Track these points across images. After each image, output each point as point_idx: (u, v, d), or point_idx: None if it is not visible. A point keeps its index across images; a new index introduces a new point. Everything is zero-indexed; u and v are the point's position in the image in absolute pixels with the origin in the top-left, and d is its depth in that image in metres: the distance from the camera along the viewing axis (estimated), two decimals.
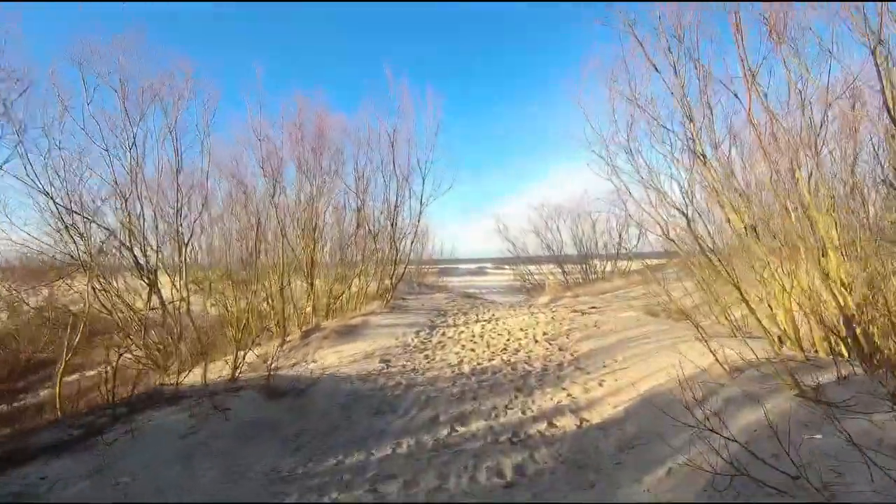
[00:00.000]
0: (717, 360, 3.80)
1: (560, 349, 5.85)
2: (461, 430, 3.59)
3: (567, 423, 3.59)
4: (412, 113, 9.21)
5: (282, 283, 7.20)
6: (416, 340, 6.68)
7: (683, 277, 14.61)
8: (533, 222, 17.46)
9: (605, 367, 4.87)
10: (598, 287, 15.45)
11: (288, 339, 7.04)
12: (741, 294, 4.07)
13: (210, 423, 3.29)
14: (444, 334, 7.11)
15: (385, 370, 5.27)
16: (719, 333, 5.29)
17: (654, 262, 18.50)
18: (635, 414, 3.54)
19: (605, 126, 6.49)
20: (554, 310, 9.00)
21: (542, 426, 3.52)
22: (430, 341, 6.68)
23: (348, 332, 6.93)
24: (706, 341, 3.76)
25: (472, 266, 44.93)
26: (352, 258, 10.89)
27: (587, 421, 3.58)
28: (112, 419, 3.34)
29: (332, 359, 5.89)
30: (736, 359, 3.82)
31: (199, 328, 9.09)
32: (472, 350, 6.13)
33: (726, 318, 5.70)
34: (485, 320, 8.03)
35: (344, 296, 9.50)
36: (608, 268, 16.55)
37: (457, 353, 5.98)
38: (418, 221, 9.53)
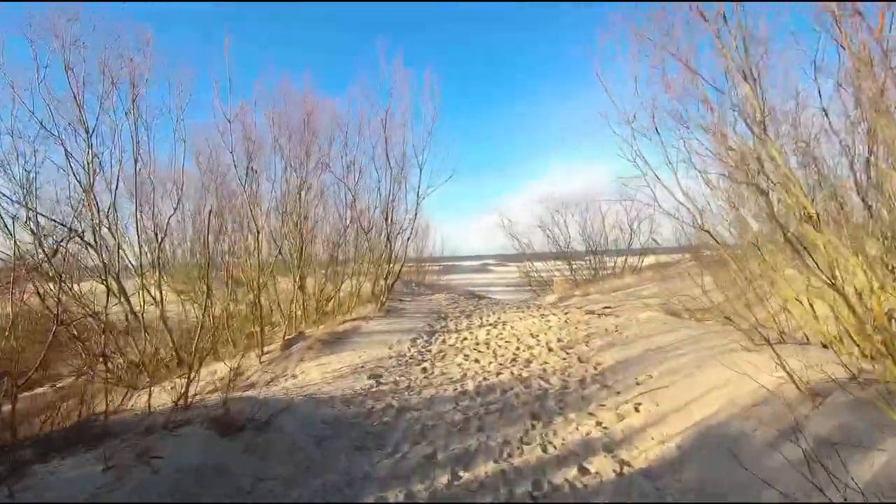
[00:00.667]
0: (791, 379, 2.99)
1: (580, 360, 5.06)
2: (465, 476, 2.80)
3: (602, 466, 2.79)
4: (407, 96, 8.41)
5: (258, 286, 6.41)
6: (412, 350, 5.89)
7: (703, 274, 13.72)
8: (539, 216, 16.64)
9: (638, 384, 4.07)
10: (608, 284, 14.65)
11: (268, 349, 6.26)
12: (834, 291, 3.20)
13: (133, 477, 2.51)
14: (444, 342, 6.32)
15: (374, 388, 4.49)
16: (765, 339, 4.49)
17: (666, 257, 17.65)
18: (693, 455, 2.74)
19: (628, 103, 5.70)
20: (566, 311, 8.20)
21: (571, 473, 2.73)
22: (428, 351, 5.89)
23: (336, 341, 6.15)
24: (779, 359, 2.96)
25: (475, 263, 44.15)
26: (344, 256, 10.13)
27: (628, 465, 2.78)
28: (10, 469, 2.56)
29: (315, 374, 5.11)
30: (811, 376, 3.01)
31: (179, 335, 8.34)
32: (477, 361, 5.34)
33: (774, 321, 4.92)
34: (490, 325, 7.24)
35: (334, 299, 8.73)
36: (619, 264, 15.73)
37: (459, 366, 5.20)
38: (415, 216, 8.74)
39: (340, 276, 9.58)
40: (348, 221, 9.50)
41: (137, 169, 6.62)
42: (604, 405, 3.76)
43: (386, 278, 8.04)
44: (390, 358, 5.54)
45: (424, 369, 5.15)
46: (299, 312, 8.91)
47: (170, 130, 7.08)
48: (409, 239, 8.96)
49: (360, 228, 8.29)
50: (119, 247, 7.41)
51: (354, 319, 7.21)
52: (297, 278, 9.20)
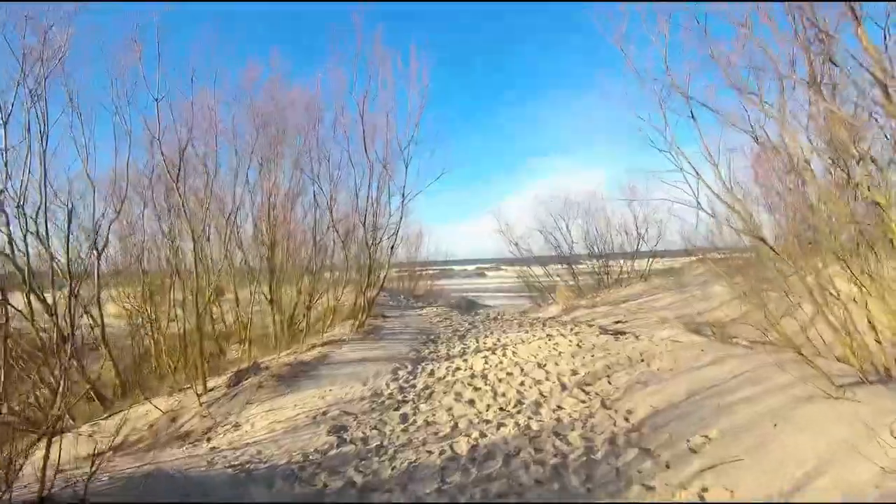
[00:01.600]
0: None
1: (604, 405, 3.98)
2: None
3: None
4: (391, 82, 7.33)
5: (197, 307, 5.20)
6: (392, 386, 4.78)
7: (721, 281, 12.46)
8: (539, 219, 15.60)
9: (693, 451, 2.99)
10: (615, 293, 13.63)
11: (215, 384, 5.12)
12: None
13: None
14: (432, 373, 5.22)
15: (334, 451, 3.38)
16: (840, 372, 3.45)
17: (671, 262, 16.66)
18: None
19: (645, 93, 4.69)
20: (575, 329, 7.13)
21: None
22: (412, 387, 4.79)
23: (298, 374, 5.03)
24: None
25: (470, 268, 43.08)
26: (322, 265, 9.01)
27: None
28: None
29: (262, 424, 3.99)
30: None
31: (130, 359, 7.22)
32: (472, 404, 4.25)
33: (851, 350, 3.97)
34: (488, 349, 6.15)
35: (307, 316, 7.60)
36: (627, 270, 14.71)
37: (449, 410, 4.11)
38: (401, 219, 7.65)
39: (316, 288, 8.46)
40: (326, 227, 8.39)
41: (45, 162, 5.45)
42: (651, 487, 2.68)
43: (365, 292, 6.93)
44: (363, 399, 4.43)
45: (404, 416, 4.05)
46: (269, 331, 7.79)
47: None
48: (394, 245, 7.86)
49: (337, 235, 7.17)
50: (52, 257, 6.26)
51: (325, 344, 6.09)
52: (268, 291, 8.08)
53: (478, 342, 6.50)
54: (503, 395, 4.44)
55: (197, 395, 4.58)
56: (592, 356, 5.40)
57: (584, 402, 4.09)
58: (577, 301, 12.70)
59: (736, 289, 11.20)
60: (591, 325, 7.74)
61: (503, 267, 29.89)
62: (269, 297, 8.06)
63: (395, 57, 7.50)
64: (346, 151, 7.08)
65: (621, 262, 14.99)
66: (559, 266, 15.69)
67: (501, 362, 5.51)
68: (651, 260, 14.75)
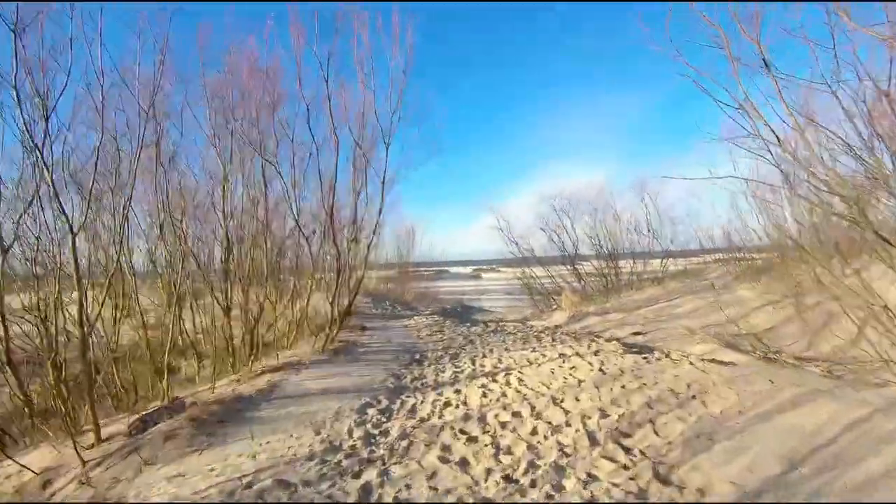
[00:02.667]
0: None
1: (657, 475, 2.74)
2: None
3: None
4: (367, 44, 6.05)
5: (81, 320, 3.79)
6: (356, 434, 3.53)
7: (741, 285, 11.34)
8: (542, 217, 14.38)
9: None
10: (627, 298, 12.44)
11: (113, 433, 3.83)
12: None
13: None
14: (413, 412, 3.97)
15: None
16: None
17: (684, 263, 15.49)
18: None
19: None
20: (594, 346, 5.90)
21: None
22: (384, 434, 3.55)
23: (227, 416, 3.76)
24: None
25: (466, 269, 41.85)
26: (296, 268, 7.76)
27: None
28: None
29: (160, 500, 2.72)
30: None
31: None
32: (465, 466, 3.02)
33: None
34: (487, 374, 4.90)
35: (252, 336, 6.32)
36: (638, 271, 13.51)
37: (432, 477, 2.88)
38: (380, 210, 6.37)
39: (283, 296, 7.19)
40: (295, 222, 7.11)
41: None
42: None
43: (334, 301, 5.65)
44: (311, 458, 3.17)
45: (366, 489, 2.80)
46: (235, 344, 6.51)
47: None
48: (371, 244, 6.59)
49: (300, 232, 5.88)
50: None
51: (277, 369, 4.81)
52: (225, 299, 6.80)
53: (474, 364, 5.25)
54: (508, 451, 3.19)
55: (77, 450, 3.30)
56: (623, 387, 4.17)
57: (626, 467, 2.85)
58: (585, 307, 11.50)
59: (768, 293, 10.01)
60: (609, 341, 6.52)
61: (500, 269, 28.67)
62: (224, 305, 6.79)
63: (373, 16, 6.23)
64: (308, 127, 5.74)
65: (632, 262, 13.81)
66: (563, 267, 14.48)
67: (505, 394, 4.26)
68: (666, 261, 13.57)
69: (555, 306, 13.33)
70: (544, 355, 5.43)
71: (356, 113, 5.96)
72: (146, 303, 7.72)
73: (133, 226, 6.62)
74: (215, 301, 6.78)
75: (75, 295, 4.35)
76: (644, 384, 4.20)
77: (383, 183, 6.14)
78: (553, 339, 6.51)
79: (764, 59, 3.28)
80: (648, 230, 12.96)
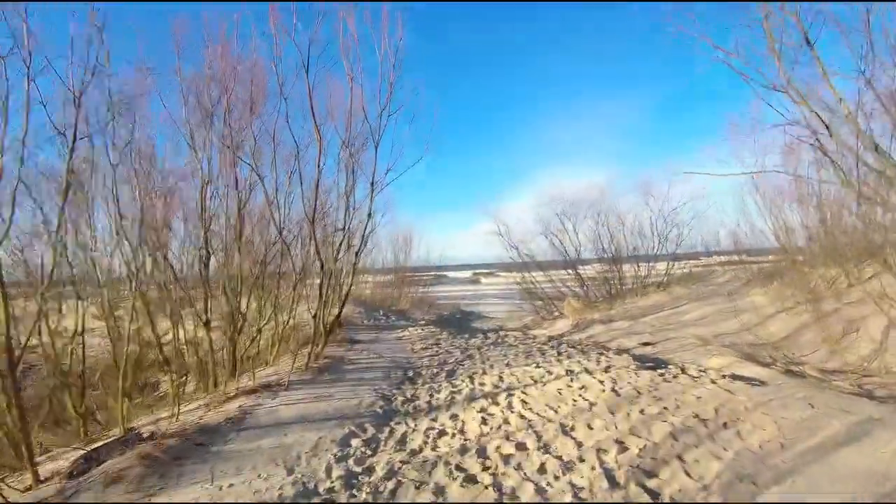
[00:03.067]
0: None
1: None
2: None
3: None
4: (353, 32, 5.61)
5: (8, 334, 3.22)
6: (335, 474, 3.04)
7: (750, 291, 10.96)
8: (543, 220, 13.93)
9: None
10: (631, 304, 11.98)
11: (53, 472, 3.33)
12: None
13: None
14: (402, 444, 3.49)
15: None
16: None
17: (684, 266, 15.01)
18: None
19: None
20: (602, 362, 5.42)
21: None
22: (367, 473, 3.06)
23: (186, 452, 3.26)
24: None
25: (464, 274, 41.33)
26: (283, 276, 7.26)
27: None
28: None
29: None
30: None
31: None
32: None
33: None
34: (486, 394, 4.42)
35: (253, 345, 5.84)
36: (643, 276, 13.05)
37: None
38: (369, 215, 5.90)
39: (266, 307, 6.70)
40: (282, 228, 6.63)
41: None
42: None
43: (318, 314, 5.13)
44: None
45: None
46: (218, 359, 6.01)
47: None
48: (359, 251, 6.12)
49: (281, 239, 5.39)
50: None
51: (251, 391, 4.31)
52: (205, 311, 6.32)
53: (472, 383, 4.77)
54: (513, 494, 2.71)
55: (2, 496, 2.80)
56: (642, 412, 3.69)
57: None
58: (589, 314, 11.03)
59: (780, 299, 9.54)
60: (620, 353, 6.04)
61: (499, 273, 28.19)
62: (203, 318, 6.31)
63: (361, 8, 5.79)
64: (287, 125, 5.24)
65: (636, 267, 13.36)
66: (564, 272, 14.02)
67: (507, 421, 3.78)
68: (672, 264, 13.12)
69: (557, 313, 12.86)
70: (550, 372, 4.95)
71: (343, 109, 5.52)
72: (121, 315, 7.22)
73: (105, 232, 6.13)
74: (194, 313, 6.30)
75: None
76: (665, 408, 3.72)
77: (372, 185, 5.68)
78: (558, 353, 6.02)
79: (806, 37, 2.84)
80: (653, 233, 12.49)
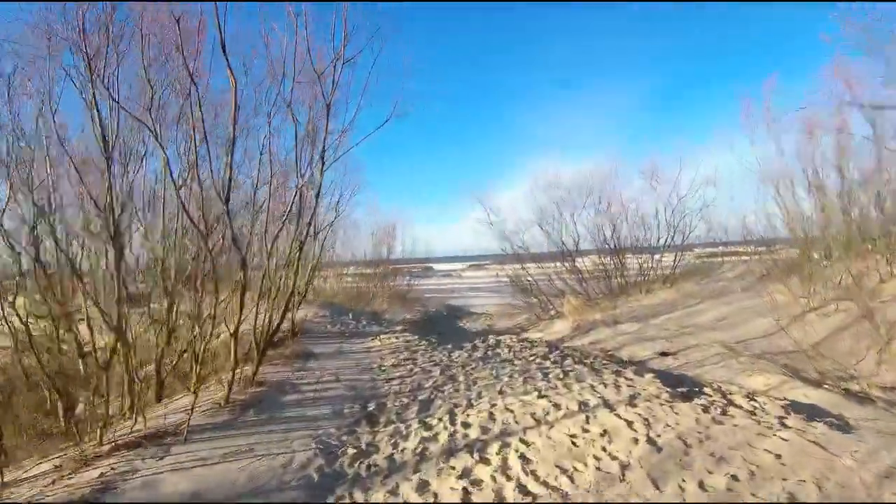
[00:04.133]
0: None
1: None
2: None
3: None
4: None
5: None
6: None
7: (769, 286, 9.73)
8: (539, 209, 12.70)
9: None
10: (636, 303, 10.88)
11: None
12: None
13: None
14: None
15: None
16: None
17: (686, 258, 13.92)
18: None
19: None
20: (624, 386, 4.23)
21: None
22: None
23: None
24: None
25: (456, 266, 40.10)
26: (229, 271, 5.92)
27: None
28: None
29: None
30: None
31: None
32: None
33: None
34: (470, 443, 3.19)
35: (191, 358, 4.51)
36: (647, 268, 11.94)
37: None
38: (317, 196, 4.56)
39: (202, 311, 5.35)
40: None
41: None
42: None
43: (235, 334, 3.77)
44: None
45: None
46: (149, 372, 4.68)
47: None
48: (304, 240, 4.79)
49: (194, 226, 4.02)
50: None
51: (133, 445, 3.01)
52: (118, 318, 4.95)
53: (453, 422, 3.53)
54: None
55: None
56: (702, 486, 2.49)
57: None
58: (590, 314, 9.90)
59: (804, 296, 8.35)
60: (640, 373, 4.86)
61: (491, 266, 27.02)
62: (115, 325, 4.96)
63: None
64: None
65: (640, 259, 12.24)
66: (560, 265, 12.82)
67: (501, 494, 2.55)
68: (680, 256, 12.01)
69: (554, 311, 11.72)
70: (556, 405, 3.74)
71: (291, 56, 4.12)
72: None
73: None
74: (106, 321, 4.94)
75: None
76: (734, 477, 2.53)
77: (322, 155, 4.33)
78: (563, 371, 4.81)
79: None
80: (662, 222, 11.36)
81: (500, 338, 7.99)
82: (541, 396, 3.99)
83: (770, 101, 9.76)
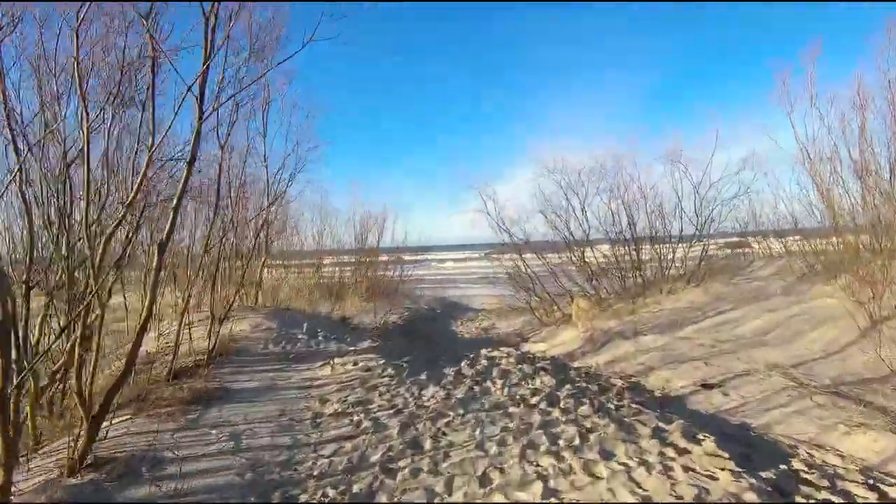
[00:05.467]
0: None
1: None
2: None
3: None
4: None
5: None
6: None
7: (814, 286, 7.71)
8: (544, 197, 11.09)
9: None
10: (656, 306, 9.35)
11: None
12: None
13: None
14: None
15: None
16: None
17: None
18: None
19: None
20: (679, 475, 2.71)
21: None
22: None
23: None
24: None
25: (452, 255, 38.52)
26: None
27: None
28: None
29: None
30: None
31: None
32: None
33: None
34: None
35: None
36: (666, 262, 10.37)
37: None
38: (190, 161, 2.95)
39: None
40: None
41: None
42: None
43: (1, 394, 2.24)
44: None
45: None
46: None
47: None
48: (171, 226, 2.87)
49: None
50: None
51: None
52: None
53: None
54: None
55: None
56: None
57: None
58: (603, 320, 8.41)
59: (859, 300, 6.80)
60: (696, 437, 3.37)
61: (487, 255, 25.49)
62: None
63: None
64: None
65: (658, 251, 10.64)
66: (566, 257, 11.23)
67: None
68: (706, 248, 10.43)
69: (559, 313, 10.24)
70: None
71: None
72: None
73: None
74: None
75: None
76: None
77: (201, 95, 2.74)
78: (579, 430, 3.30)
79: None
80: (692, 211, 9.78)
81: (494, 354, 6.49)
82: (548, 491, 2.50)
83: (814, 72, 8.23)
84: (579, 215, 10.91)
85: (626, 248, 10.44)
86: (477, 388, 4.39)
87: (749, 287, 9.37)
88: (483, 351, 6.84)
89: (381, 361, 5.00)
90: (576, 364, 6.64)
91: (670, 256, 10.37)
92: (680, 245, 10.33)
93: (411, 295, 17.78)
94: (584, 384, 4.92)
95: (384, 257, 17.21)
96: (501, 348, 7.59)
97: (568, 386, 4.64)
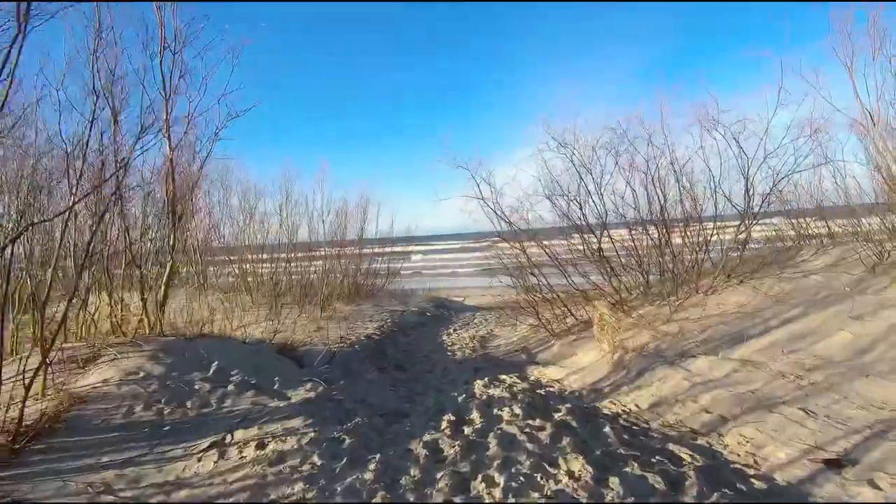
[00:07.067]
0: None
1: None
2: None
3: None
4: None
5: None
6: None
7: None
8: (551, 177, 9.17)
9: None
10: (698, 309, 7.50)
11: None
12: None
13: None
14: None
15: None
16: None
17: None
18: None
19: None
20: None
21: None
22: None
23: None
24: None
25: (447, 245, 36.61)
26: None
27: None
28: None
29: None
30: None
31: None
32: None
33: None
34: None
35: None
36: (704, 255, 8.47)
37: None
38: None
39: None
40: None
41: None
42: None
43: None
44: None
45: None
46: None
47: None
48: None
49: None
50: None
51: None
52: None
53: None
54: None
55: None
56: None
57: None
58: (633, 334, 6.58)
59: None
60: None
61: (483, 243, 23.63)
62: None
63: None
64: None
65: (691, 234, 8.76)
66: (579, 247, 9.35)
67: None
68: (748, 228, 8.51)
69: (572, 321, 8.46)
70: None
71: None
72: None
73: None
74: None
75: None
76: None
77: None
78: None
79: None
80: (745, 186, 7.87)
81: (493, 394, 4.68)
82: None
83: (878, 19, 6.31)
84: (595, 199, 9.03)
85: (658, 232, 8.56)
86: (459, 500, 2.56)
87: (809, 283, 7.47)
88: (477, 388, 5.03)
89: (309, 435, 3.16)
90: (606, 405, 4.83)
91: (709, 245, 8.50)
92: (724, 230, 8.44)
93: (398, 294, 16.00)
94: (636, 465, 3.10)
95: (367, 249, 15.40)
96: (502, 377, 5.78)
97: (613, 478, 2.81)
